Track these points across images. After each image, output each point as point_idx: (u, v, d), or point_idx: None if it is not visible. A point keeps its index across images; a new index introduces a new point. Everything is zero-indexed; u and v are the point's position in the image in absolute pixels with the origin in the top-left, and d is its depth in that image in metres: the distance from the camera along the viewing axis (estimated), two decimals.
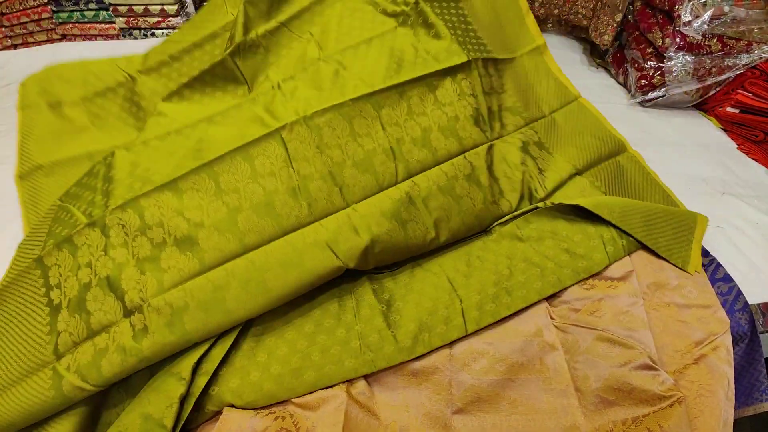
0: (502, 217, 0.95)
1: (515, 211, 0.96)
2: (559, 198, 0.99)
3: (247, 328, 0.76)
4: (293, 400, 0.70)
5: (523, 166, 1.00)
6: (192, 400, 0.67)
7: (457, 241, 0.93)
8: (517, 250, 0.89)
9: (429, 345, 0.74)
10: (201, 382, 0.69)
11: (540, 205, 0.95)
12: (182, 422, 0.67)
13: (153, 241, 0.75)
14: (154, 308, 0.71)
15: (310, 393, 0.70)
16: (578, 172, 1.06)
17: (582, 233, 0.89)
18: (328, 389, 0.70)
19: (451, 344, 0.76)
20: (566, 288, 0.83)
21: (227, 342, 0.72)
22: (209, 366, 0.70)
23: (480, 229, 0.94)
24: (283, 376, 0.70)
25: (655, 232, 0.89)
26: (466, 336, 0.76)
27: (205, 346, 0.71)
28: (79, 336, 0.71)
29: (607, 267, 0.85)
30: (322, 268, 0.77)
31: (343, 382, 0.71)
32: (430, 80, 0.97)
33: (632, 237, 0.88)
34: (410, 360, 0.74)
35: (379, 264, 0.85)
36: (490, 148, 0.99)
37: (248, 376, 0.71)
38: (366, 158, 0.87)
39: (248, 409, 0.70)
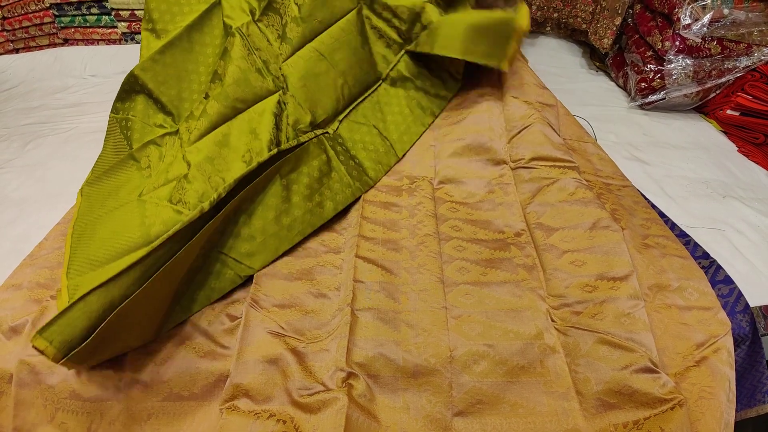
0: (381, 61, 1.26)
1: (391, 51, 1.27)
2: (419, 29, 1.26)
3: (273, 181, 0.97)
4: (296, 399, 0.70)
5: (386, 12, 1.27)
6: None
7: (366, 92, 1.23)
8: (408, 89, 1.25)
9: (382, 171, 1.11)
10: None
11: (410, 47, 1.25)
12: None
13: (199, 129, 1.02)
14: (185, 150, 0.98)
15: (312, 395, 0.71)
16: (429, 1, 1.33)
17: (440, 68, 1.24)
18: (329, 391, 0.70)
19: (451, 346, 0.76)
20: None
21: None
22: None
23: (374, 74, 1.25)
24: (313, 210, 0.98)
25: (485, 45, 1.16)
26: (467, 341, 0.77)
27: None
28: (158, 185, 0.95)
29: (457, 93, 1.26)
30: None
31: (344, 383, 0.71)
32: None
33: (474, 62, 1.17)
34: (371, 190, 1.07)
35: (309, 91, 1.12)
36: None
37: (293, 212, 0.96)
38: (287, 32, 1.17)
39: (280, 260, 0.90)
